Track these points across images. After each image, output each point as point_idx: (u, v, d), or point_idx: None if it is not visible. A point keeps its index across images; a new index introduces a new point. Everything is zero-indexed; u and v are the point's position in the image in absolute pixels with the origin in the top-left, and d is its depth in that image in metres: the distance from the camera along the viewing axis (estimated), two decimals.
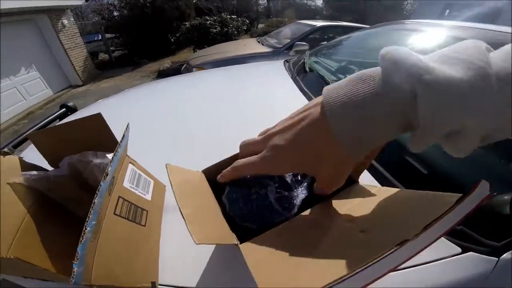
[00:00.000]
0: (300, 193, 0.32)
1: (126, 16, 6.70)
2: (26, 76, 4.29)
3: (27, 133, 0.78)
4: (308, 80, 1.18)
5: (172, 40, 6.32)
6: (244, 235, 0.28)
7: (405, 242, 0.19)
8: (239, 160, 0.28)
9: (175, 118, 0.94)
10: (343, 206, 0.31)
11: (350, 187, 0.37)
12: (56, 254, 0.40)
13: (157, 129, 0.86)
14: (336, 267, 0.19)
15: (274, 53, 3.11)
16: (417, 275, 0.40)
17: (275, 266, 0.22)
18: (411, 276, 0.40)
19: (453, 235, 0.45)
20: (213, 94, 1.17)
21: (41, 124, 0.90)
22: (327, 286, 0.17)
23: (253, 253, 0.24)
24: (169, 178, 0.31)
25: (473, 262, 0.41)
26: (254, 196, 0.31)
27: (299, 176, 0.34)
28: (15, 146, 0.74)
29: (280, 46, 3.20)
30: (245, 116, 0.92)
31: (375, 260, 0.18)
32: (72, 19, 5.28)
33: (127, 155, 0.44)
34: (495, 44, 0.20)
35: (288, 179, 0.33)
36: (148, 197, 0.45)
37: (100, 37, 7.52)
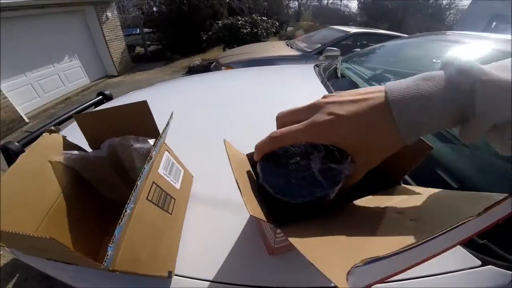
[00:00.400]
0: (346, 169, 0.28)
1: (164, 12, 6.97)
2: (69, 64, 4.60)
3: (71, 113, 0.84)
4: (339, 85, 1.17)
5: (204, 38, 6.49)
6: (274, 210, 0.27)
7: (469, 219, 0.19)
8: (277, 130, 0.27)
9: (203, 114, 0.97)
10: (389, 201, 0.30)
11: (393, 187, 0.36)
12: (82, 238, 0.42)
13: (188, 123, 0.89)
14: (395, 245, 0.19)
15: (303, 57, 3.08)
16: (434, 284, 0.41)
17: (328, 250, 0.21)
18: (429, 284, 0.41)
19: (473, 247, 0.46)
20: (241, 93, 1.19)
21: (79, 108, 0.97)
22: (391, 253, 0.18)
23: (299, 237, 0.22)
24: (227, 151, 0.32)
25: (492, 275, 0.42)
26: (294, 167, 0.28)
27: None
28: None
29: (310, 50, 3.17)
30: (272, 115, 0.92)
31: (442, 231, 0.19)
32: (116, 12, 5.60)
33: (164, 142, 0.45)
34: None
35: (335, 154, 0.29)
36: (178, 185, 0.47)
37: (138, 31, 7.91)
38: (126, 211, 0.28)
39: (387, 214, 0.27)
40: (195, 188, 0.58)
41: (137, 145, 0.43)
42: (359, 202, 0.32)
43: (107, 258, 0.25)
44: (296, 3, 17.52)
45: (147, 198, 0.35)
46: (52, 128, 0.48)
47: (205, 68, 4.83)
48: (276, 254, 0.43)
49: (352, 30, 3.44)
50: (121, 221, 0.28)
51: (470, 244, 0.48)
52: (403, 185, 0.37)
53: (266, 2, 9.48)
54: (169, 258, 0.40)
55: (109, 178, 0.50)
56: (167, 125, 0.41)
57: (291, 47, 3.48)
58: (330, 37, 3.40)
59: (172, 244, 0.42)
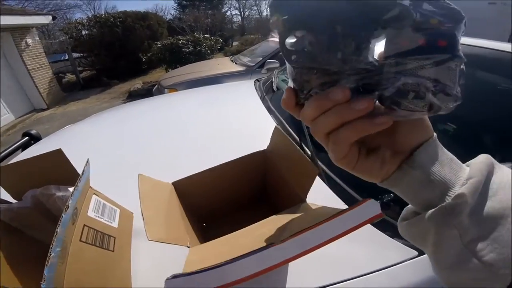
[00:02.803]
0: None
1: (95, 35, 6.66)
2: None
3: None
4: (275, 99, 1.26)
5: (144, 59, 6.35)
6: None
7: (271, 245, 0.26)
8: None
9: (145, 144, 0.96)
10: (275, 219, 0.37)
11: (298, 205, 0.44)
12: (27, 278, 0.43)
13: (127, 155, 0.88)
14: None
15: (247, 72, 3.23)
16: (380, 279, 0.47)
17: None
18: (374, 281, 0.47)
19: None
20: (183, 118, 1.21)
21: (2, 154, 0.90)
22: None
23: (196, 254, 0.29)
24: (138, 185, 0.34)
25: (430, 263, 0.49)
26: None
27: None
28: None
29: (253, 64, 3.34)
30: (213, 139, 0.96)
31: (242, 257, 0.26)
32: (37, 38, 5.18)
33: (90, 186, 0.48)
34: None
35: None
36: (115, 224, 0.49)
37: (67, 57, 7.36)
38: (51, 254, 0.32)
39: (258, 230, 0.34)
40: (139, 223, 0.59)
41: (60, 194, 0.45)
42: (262, 222, 0.38)
43: None
44: (240, 17, 18.28)
45: (80, 240, 0.39)
46: None
47: (147, 91, 4.71)
48: None
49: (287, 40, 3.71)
50: (47, 263, 0.31)
51: (400, 236, 0.56)
52: (307, 202, 0.44)
53: (209, 19, 9.70)
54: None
55: (38, 225, 0.50)
56: (83, 172, 0.43)
57: (236, 63, 3.62)
58: (269, 49, 3.61)
59: (123, 277, 0.45)
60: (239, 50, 6.28)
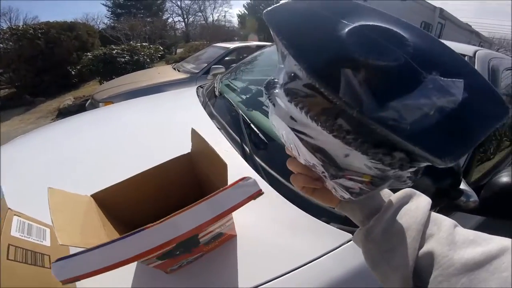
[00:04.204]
0: None
1: (12, 49, 5.84)
2: None
3: None
4: (217, 105, 1.22)
5: (73, 72, 5.81)
6: None
7: (144, 228, 0.31)
8: None
9: (79, 164, 0.89)
10: None
11: None
12: None
13: (59, 178, 0.82)
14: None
15: (192, 79, 3.14)
16: (320, 267, 0.51)
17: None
18: (316, 269, 0.50)
19: (341, 222, 0.57)
20: (119, 131, 1.12)
21: None
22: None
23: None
24: (48, 199, 0.38)
25: None
26: None
27: None
28: None
29: (198, 71, 3.26)
30: (152, 149, 0.92)
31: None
32: None
33: (9, 208, 0.50)
34: None
35: None
36: (46, 243, 0.51)
37: None
38: None
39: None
40: None
41: None
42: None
43: None
44: (183, 23, 17.89)
45: (8, 258, 0.41)
46: None
47: (80, 107, 4.25)
48: (171, 272, 0.51)
49: (232, 45, 3.73)
50: None
51: (336, 220, 0.59)
52: None
53: (148, 27, 9.27)
54: None
55: None
56: None
57: (179, 71, 3.49)
58: (214, 55, 3.60)
59: None
60: (183, 58, 6.11)
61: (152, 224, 0.32)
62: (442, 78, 0.17)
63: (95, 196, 0.55)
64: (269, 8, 0.22)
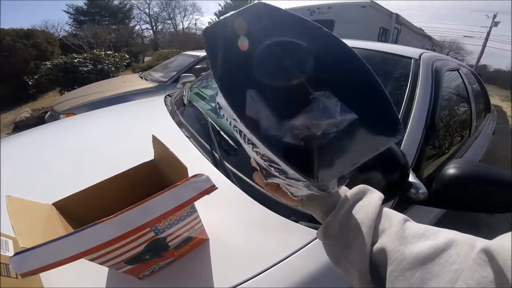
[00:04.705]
0: None
1: None
2: None
3: None
4: (186, 113, 1.22)
5: (30, 83, 5.44)
6: None
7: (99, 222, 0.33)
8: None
9: (33, 178, 0.84)
10: None
11: None
12: None
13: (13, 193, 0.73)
14: None
15: (160, 88, 3.08)
16: (291, 265, 0.52)
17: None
18: (286, 268, 0.52)
19: (308, 220, 0.60)
20: (80, 142, 1.08)
21: None
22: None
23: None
24: (6, 206, 0.38)
25: None
26: None
27: None
28: None
29: (166, 79, 3.20)
30: (117, 159, 0.87)
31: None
32: None
33: None
34: None
35: None
36: (9, 253, 0.50)
37: None
38: None
39: None
40: None
41: None
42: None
43: None
44: (151, 31, 17.48)
45: None
46: None
47: (39, 120, 3.97)
48: (144, 278, 0.51)
49: (202, 53, 3.73)
50: None
51: (304, 219, 0.61)
52: None
53: (112, 35, 8.95)
54: None
55: None
56: None
57: (146, 79, 3.40)
58: (184, 63, 3.56)
59: None
60: (151, 66, 5.98)
61: (107, 218, 0.34)
62: (329, 99, 0.19)
63: (57, 204, 0.54)
64: (208, 26, 0.24)
